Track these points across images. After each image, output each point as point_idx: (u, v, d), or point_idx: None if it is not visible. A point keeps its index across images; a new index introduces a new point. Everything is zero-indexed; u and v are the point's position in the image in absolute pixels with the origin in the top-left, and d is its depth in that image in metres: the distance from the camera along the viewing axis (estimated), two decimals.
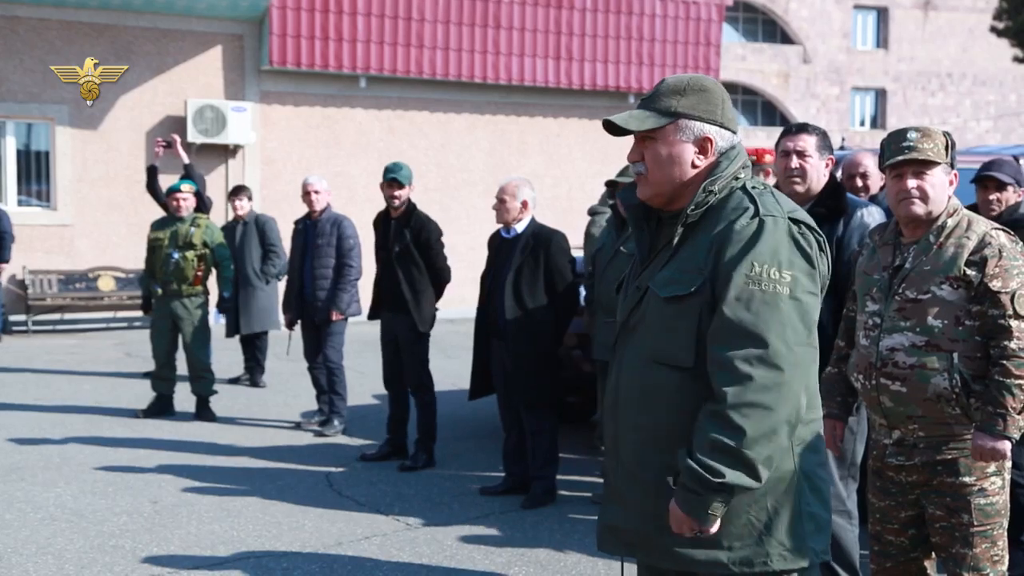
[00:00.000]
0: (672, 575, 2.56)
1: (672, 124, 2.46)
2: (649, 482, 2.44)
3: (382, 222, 7.22)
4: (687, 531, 2.35)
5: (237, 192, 10.06)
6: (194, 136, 14.26)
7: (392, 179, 7.02)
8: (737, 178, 2.48)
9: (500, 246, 6.29)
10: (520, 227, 6.19)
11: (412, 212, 7.05)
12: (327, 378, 7.95)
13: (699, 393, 2.37)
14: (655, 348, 2.43)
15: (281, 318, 9.52)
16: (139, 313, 13.40)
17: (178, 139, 9.70)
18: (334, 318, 7.79)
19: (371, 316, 7.33)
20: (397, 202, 7.03)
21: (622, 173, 6.13)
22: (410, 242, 6.95)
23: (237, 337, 10.07)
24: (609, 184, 6.48)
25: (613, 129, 2.50)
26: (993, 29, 29.93)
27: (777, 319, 2.31)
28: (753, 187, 2.47)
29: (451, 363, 10.62)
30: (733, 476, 2.28)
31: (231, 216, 10.24)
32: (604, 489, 2.64)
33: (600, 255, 6.05)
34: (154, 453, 7.21)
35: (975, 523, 3.35)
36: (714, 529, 2.35)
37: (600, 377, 6.18)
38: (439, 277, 7.05)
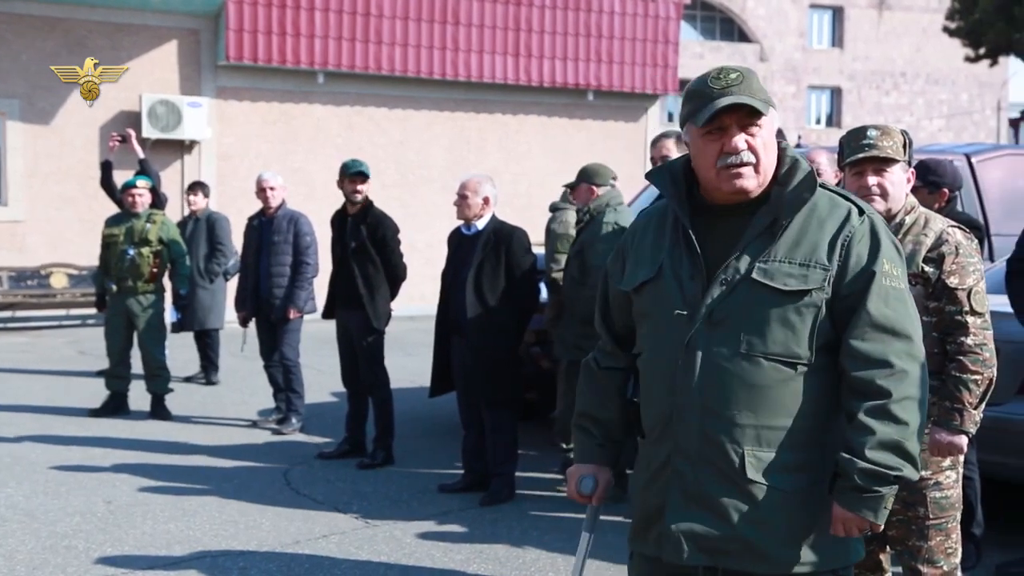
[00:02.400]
0: None
1: (772, 110, 2.43)
2: (756, 484, 2.35)
3: (337, 219, 7.18)
4: (855, 531, 2.36)
5: (194, 188, 9.99)
6: (149, 131, 14.09)
7: (359, 172, 6.98)
8: None
9: (460, 243, 6.26)
10: (481, 224, 6.17)
11: (369, 209, 7.02)
12: (284, 376, 7.90)
13: (814, 390, 2.37)
14: (762, 343, 2.35)
15: (227, 316, 9.41)
16: (92, 311, 13.22)
17: (133, 133, 9.59)
18: (291, 316, 7.74)
19: (326, 315, 7.29)
20: (360, 196, 7.00)
21: (584, 177, 6.20)
22: (366, 239, 6.93)
23: (191, 335, 9.99)
24: (568, 187, 6.51)
25: (710, 119, 2.35)
26: (945, 29, 30.33)
27: (909, 314, 2.40)
28: (822, 184, 2.48)
29: (411, 360, 10.58)
30: (908, 471, 2.33)
31: (187, 211, 10.16)
32: (669, 494, 2.42)
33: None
34: (108, 452, 7.12)
35: (930, 516, 3.39)
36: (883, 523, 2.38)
37: (563, 375, 6.17)
38: (395, 274, 7.03)
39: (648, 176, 2.59)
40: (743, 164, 2.36)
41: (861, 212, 2.42)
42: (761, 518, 2.36)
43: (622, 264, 2.61)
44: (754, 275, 2.36)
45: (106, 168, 9.53)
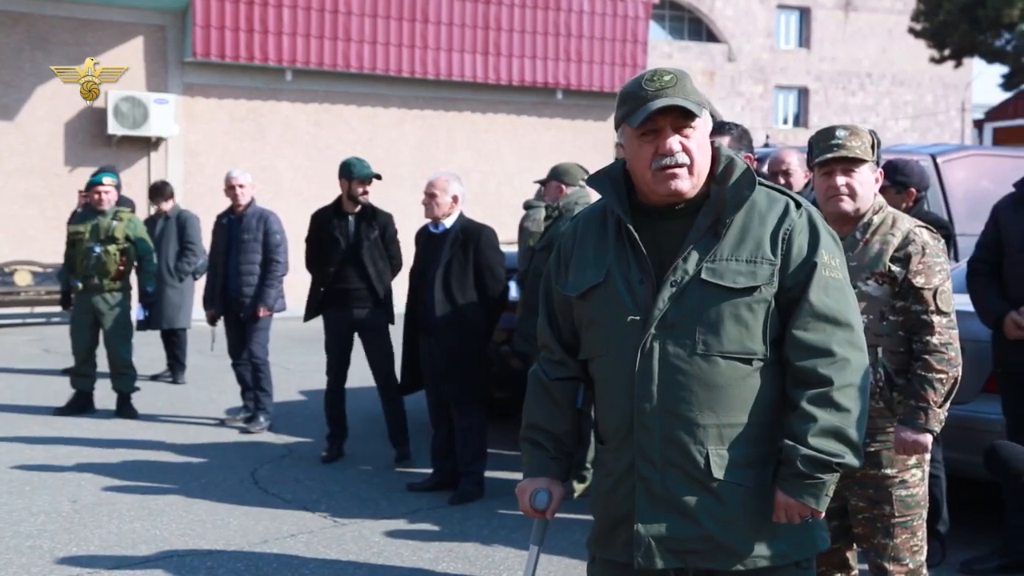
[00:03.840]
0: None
1: (705, 112, 2.45)
2: (722, 483, 2.37)
3: (333, 217, 7.00)
4: (796, 518, 2.39)
5: (157, 195, 9.84)
6: (115, 128, 13.99)
7: (375, 175, 6.93)
8: None
9: (428, 241, 6.25)
10: (449, 222, 6.16)
11: (372, 207, 7.00)
12: (253, 374, 7.85)
13: (770, 384, 2.41)
14: (718, 342, 2.36)
15: (195, 315, 9.33)
16: (57, 308, 13.12)
17: None
18: (261, 314, 7.69)
19: (311, 315, 7.09)
20: (368, 198, 6.97)
21: (555, 175, 6.27)
22: (379, 236, 6.92)
23: (159, 333, 9.91)
24: (540, 183, 6.58)
25: (646, 120, 2.36)
26: (911, 30, 30.61)
27: (850, 303, 2.45)
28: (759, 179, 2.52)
29: None
30: (849, 457, 2.36)
31: (153, 210, 10.09)
32: (636, 500, 2.42)
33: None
34: (73, 451, 7.06)
35: (896, 514, 3.41)
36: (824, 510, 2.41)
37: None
38: (398, 269, 7.11)
39: (588, 181, 2.59)
40: (677, 165, 2.38)
41: (798, 205, 2.47)
42: (728, 515, 2.38)
43: (565, 268, 2.59)
44: (703, 275, 2.38)
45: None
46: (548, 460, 2.64)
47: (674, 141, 2.38)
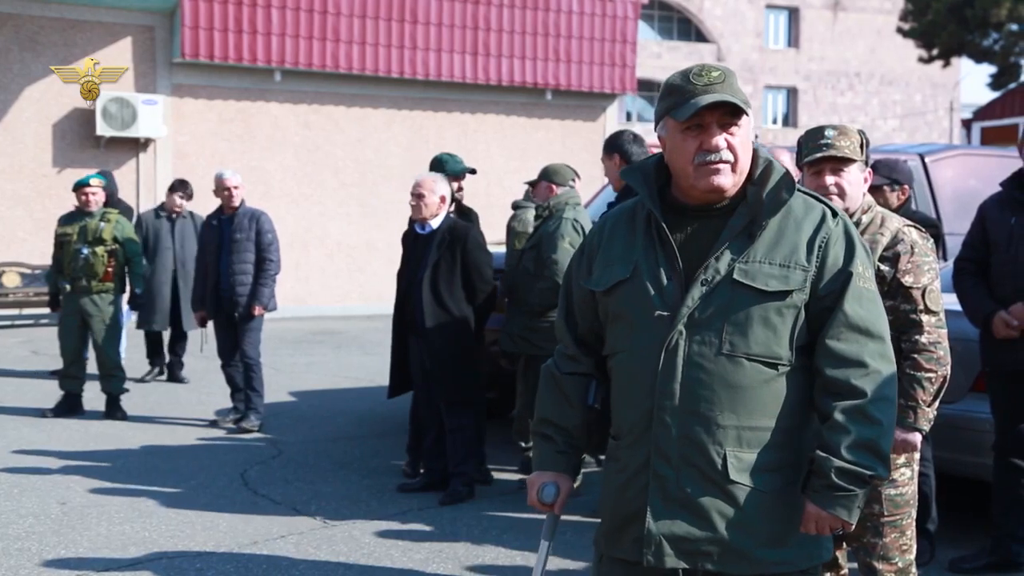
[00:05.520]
0: None
1: (751, 111, 2.44)
2: (738, 485, 2.36)
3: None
4: (827, 529, 2.37)
5: (180, 187, 9.91)
6: (103, 129, 13.94)
7: (469, 170, 6.59)
8: None
9: (415, 242, 6.23)
10: (436, 223, 6.14)
11: (467, 208, 6.81)
12: (244, 375, 7.83)
13: (792, 391, 2.39)
14: (744, 343, 2.35)
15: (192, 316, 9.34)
16: (46, 310, 13.08)
17: None
18: (256, 313, 7.69)
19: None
20: (463, 195, 6.72)
21: (545, 175, 6.27)
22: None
23: (142, 334, 9.90)
24: (530, 184, 6.60)
25: (694, 113, 2.35)
26: (899, 30, 30.71)
27: (882, 315, 2.44)
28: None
29: (370, 359, 10.54)
30: (881, 470, 2.35)
31: (156, 203, 10.09)
32: (649, 498, 2.40)
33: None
34: (62, 453, 7.03)
35: (885, 513, 3.43)
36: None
37: (522, 373, 6.20)
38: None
39: (622, 174, 2.57)
40: (721, 162, 2.37)
41: (835, 214, 2.46)
42: (742, 519, 2.37)
43: (588, 264, 2.58)
44: (735, 275, 2.36)
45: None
46: (556, 454, 2.63)
47: (720, 138, 2.37)
